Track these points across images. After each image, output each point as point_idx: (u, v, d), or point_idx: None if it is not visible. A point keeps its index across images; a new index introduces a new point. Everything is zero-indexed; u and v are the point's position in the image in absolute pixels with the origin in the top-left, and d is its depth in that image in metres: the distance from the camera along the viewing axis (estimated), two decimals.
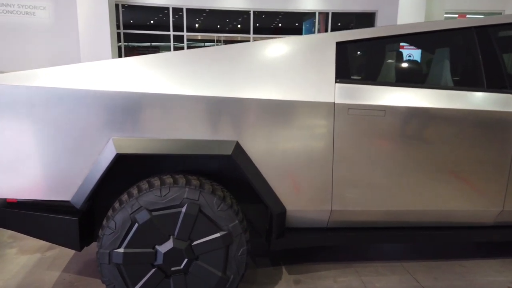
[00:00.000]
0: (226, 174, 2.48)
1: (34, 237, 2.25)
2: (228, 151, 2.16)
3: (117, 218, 2.08)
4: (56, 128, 2.07)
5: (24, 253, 3.00)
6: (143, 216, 2.08)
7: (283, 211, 2.32)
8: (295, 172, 2.27)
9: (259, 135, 2.20)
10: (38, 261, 2.88)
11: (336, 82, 2.29)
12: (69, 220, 2.17)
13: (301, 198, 2.33)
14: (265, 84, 2.20)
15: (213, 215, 2.15)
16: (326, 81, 2.27)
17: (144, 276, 2.14)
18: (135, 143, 2.10)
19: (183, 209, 2.11)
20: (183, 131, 2.14)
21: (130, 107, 2.08)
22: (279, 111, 2.19)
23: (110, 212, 2.12)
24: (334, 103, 2.25)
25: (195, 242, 2.16)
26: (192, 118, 2.13)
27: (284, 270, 2.82)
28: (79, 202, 2.15)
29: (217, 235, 2.16)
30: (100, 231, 2.12)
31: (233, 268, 2.23)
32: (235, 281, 2.25)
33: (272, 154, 2.24)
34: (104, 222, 2.12)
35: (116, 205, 2.12)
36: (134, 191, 2.13)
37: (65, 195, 2.18)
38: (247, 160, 2.21)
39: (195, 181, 2.17)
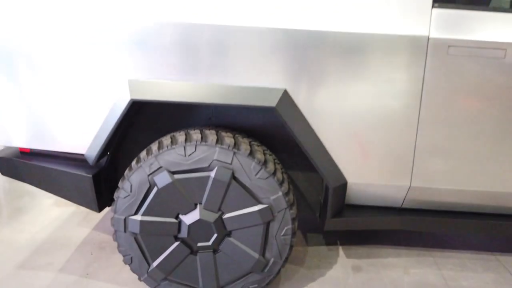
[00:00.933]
0: (273, 132, 1.96)
1: (49, 192, 1.97)
2: (272, 102, 1.63)
3: (133, 179, 1.69)
4: (67, 71, 1.68)
5: (60, 206, 2.82)
6: (163, 179, 1.66)
7: (342, 184, 1.77)
8: (364, 134, 1.69)
9: (315, 83, 1.63)
10: (70, 216, 2.68)
11: (433, 6, 1.59)
12: (82, 177, 1.83)
13: (369, 169, 1.75)
14: (324, 11, 1.58)
15: (250, 184, 1.67)
16: (416, 3, 1.58)
17: (165, 250, 1.77)
18: (154, 87, 1.64)
19: (212, 174, 1.66)
20: (212, 73, 1.63)
21: (148, 42, 1.61)
22: (345, 49, 1.58)
23: (126, 172, 1.73)
24: (427, 37, 1.57)
25: (226, 215, 1.72)
26: (222, 55, 1.60)
27: (341, 252, 2.31)
28: (92, 156, 1.79)
29: (255, 209, 1.69)
30: (115, 193, 1.76)
31: (274, 250, 1.76)
32: (276, 266, 1.79)
33: (333, 108, 1.66)
34: (120, 183, 1.74)
35: (133, 163, 1.72)
36: (154, 147, 1.71)
37: (78, 148, 1.83)
38: (297, 116, 1.66)
39: (228, 139, 1.68)
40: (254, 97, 1.63)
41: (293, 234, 1.77)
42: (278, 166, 1.78)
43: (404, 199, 1.86)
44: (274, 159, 1.79)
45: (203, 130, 1.76)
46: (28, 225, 2.54)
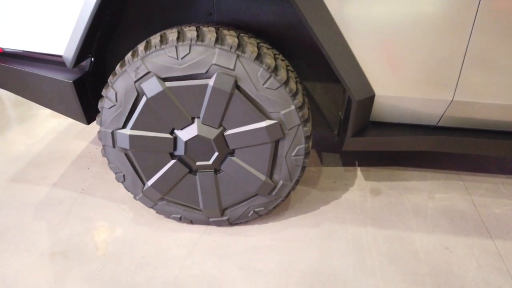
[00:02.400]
0: (287, 33, 1.61)
1: (31, 100, 1.74)
2: None
3: (118, 86, 1.42)
4: None
5: (56, 117, 2.63)
6: (152, 87, 1.39)
7: (369, 97, 1.46)
8: (403, 38, 1.33)
9: None
10: (68, 127, 2.49)
11: None
12: (62, 83, 1.57)
13: (405, 80, 1.42)
14: None
15: (256, 95, 1.39)
16: None
17: (161, 168, 1.57)
18: None
19: (211, 82, 1.37)
20: None
21: None
22: None
23: (110, 78, 1.46)
24: None
25: (228, 132, 1.47)
26: None
27: (359, 173, 2.09)
28: (69, 58, 1.50)
29: (262, 125, 1.43)
30: (99, 103, 1.51)
31: (283, 172, 1.54)
32: (285, 188, 1.58)
33: (367, 3, 1.29)
34: (103, 91, 1.48)
35: (117, 68, 1.44)
36: (141, 47, 1.40)
37: (55, 48, 1.54)
38: (320, 9, 1.30)
39: (231, 39, 1.35)
40: None
41: (306, 154, 1.52)
42: (292, 75, 1.47)
43: (442, 116, 1.55)
44: (287, 66, 1.48)
45: (200, 27, 1.43)
46: (22, 137, 2.38)
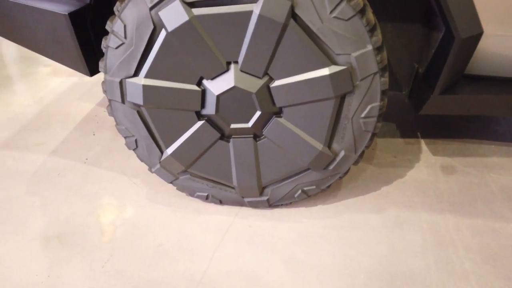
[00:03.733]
0: None
1: (25, 46, 1.38)
2: None
3: (127, 16, 1.04)
4: None
5: (58, 75, 2.27)
6: (174, 15, 1.00)
7: (476, 35, 1.05)
8: None
9: None
10: (71, 87, 2.13)
11: None
12: (55, 16, 1.19)
13: None
14: None
15: (320, 29, 0.98)
16: None
17: (184, 132, 1.19)
18: None
19: (257, 8, 0.97)
20: None
21: None
22: None
23: (117, 5, 1.07)
24: None
25: (277, 83, 1.07)
26: None
27: (423, 147, 1.69)
28: None
29: (324, 72, 1.03)
30: (102, 41, 1.13)
31: (347, 140, 1.15)
32: (346, 162, 1.20)
33: None
34: (107, 24, 1.09)
35: None
36: None
37: None
38: None
39: None
40: None
41: (380, 116, 1.13)
42: (367, 5, 1.05)
43: None
44: None
45: None
46: (19, 97, 2.03)
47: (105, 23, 1.35)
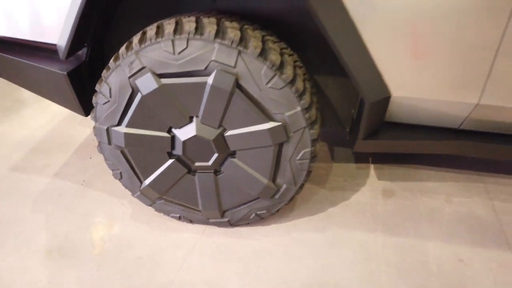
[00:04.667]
0: (299, 21, 1.46)
1: (28, 90, 1.67)
2: None
3: (112, 81, 1.33)
4: None
5: None
6: (147, 83, 1.29)
7: (384, 98, 1.32)
8: (428, 33, 1.17)
9: None
10: (72, 112, 2.43)
11: None
12: (55, 74, 1.48)
13: (425, 81, 1.27)
14: None
15: (259, 95, 1.27)
16: None
17: (158, 168, 1.49)
18: None
19: (210, 80, 1.25)
20: None
21: None
22: None
23: (104, 72, 1.36)
24: None
25: (229, 133, 1.36)
26: None
27: (372, 172, 1.96)
28: (62, 47, 1.41)
29: (265, 127, 1.32)
30: (93, 98, 1.42)
31: (287, 176, 1.44)
32: (288, 192, 1.49)
33: None
34: (97, 85, 1.39)
35: (111, 61, 1.34)
36: (135, 40, 1.29)
37: (49, 36, 1.45)
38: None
39: (232, 32, 1.23)
40: None
41: (312, 158, 1.41)
42: (299, 72, 1.34)
43: (465, 119, 1.40)
44: (294, 62, 1.34)
45: (201, 17, 1.30)
46: (28, 120, 2.34)
47: (97, 73, 1.64)
